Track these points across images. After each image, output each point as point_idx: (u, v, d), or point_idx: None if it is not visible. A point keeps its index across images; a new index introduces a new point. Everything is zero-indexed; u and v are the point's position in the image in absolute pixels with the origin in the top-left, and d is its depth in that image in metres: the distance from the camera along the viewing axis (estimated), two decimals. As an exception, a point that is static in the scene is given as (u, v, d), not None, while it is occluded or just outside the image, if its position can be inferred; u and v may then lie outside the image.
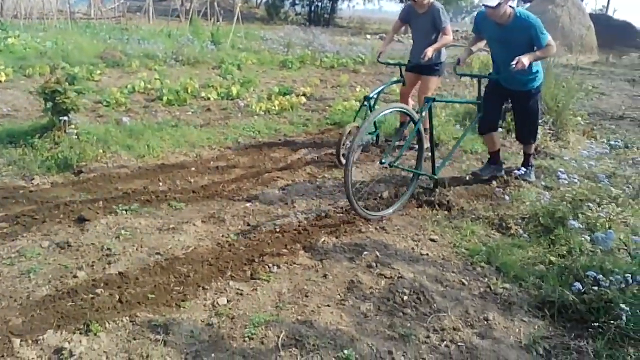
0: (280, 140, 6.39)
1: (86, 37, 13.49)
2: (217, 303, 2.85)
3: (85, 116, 6.32)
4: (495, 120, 5.10)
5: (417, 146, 4.46)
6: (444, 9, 5.64)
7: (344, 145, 5.21)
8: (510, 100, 5.09)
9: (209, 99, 8.08)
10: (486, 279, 3.31)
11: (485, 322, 2.86)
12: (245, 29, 18.27)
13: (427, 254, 3.61)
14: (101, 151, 5.16)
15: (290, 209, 4.27)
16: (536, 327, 2.85)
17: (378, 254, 3.50)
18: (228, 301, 2.89)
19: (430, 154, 4.61)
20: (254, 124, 6.82)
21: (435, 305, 2.97)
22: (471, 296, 3.11)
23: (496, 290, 3.19)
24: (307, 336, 2.59)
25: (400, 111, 4.66)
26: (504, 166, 5.24)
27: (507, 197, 4.53)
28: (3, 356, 2.35)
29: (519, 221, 4.10)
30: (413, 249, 3.68)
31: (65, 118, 5.22)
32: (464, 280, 3.28)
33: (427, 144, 4.62)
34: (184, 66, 11.09)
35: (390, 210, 4.21)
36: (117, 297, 2.85)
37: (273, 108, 7.57)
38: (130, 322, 2.64)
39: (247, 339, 2.57)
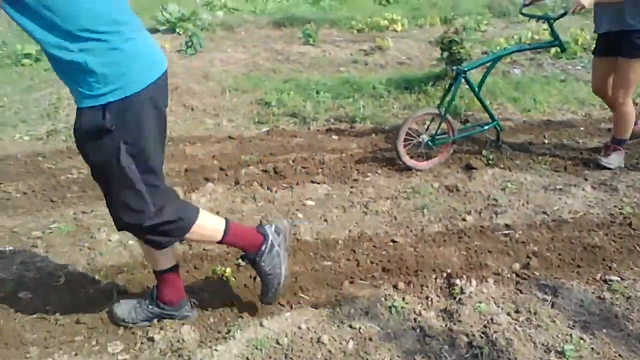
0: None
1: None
2: (610, 279, 2.63)
3: (472, 66, 6.51)
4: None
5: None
6: None
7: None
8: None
9: (601, 52, 7.29)
10: None
11: None
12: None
13: None
14: (488, 102, 5.25)
15: None
16: None
17: None
18: (621, 279, 2.64)
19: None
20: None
21: None
22: None
23: None
24: None
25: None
26: None
27: None
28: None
29: None
30: None
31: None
32: None
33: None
34: (573, 14, 10.23)
35: None
36: (504, 248, 2.92)
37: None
38: (516, 275, 2.67)
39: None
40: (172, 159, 4.26)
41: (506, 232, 3.08)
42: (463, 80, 3.98)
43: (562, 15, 3.84)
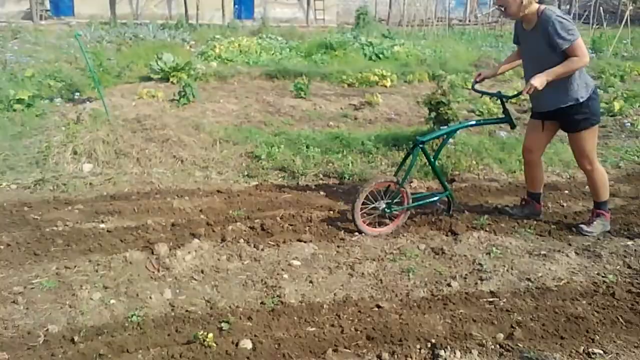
0: (671, 169, 5.50)
1: (461, 44, 14.17)
2: (593, 352, 2.63)
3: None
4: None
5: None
6: (562, 16, 3.60)
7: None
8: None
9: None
10: None
11: None
12: (632, 34, 16.26)
13: None
14: (474, 162, 5.35)
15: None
16: None
17: None
18: (604, 352, 2.63)
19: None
20: (639, 147, 6.04)
21: None
22: None
23: None
24: None
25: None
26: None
27: None
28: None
29: None
30: None
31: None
32: None
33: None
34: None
35: None
36: (488, 317, 2.91)
37: (664, 130, 6.55)
38: (500, 347, 2.66)
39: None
40: (158, 213, 4.26)
41: (491, 299, 3.08)
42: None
43: (516, 96, 4.08)
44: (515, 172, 5.27)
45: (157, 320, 2.88)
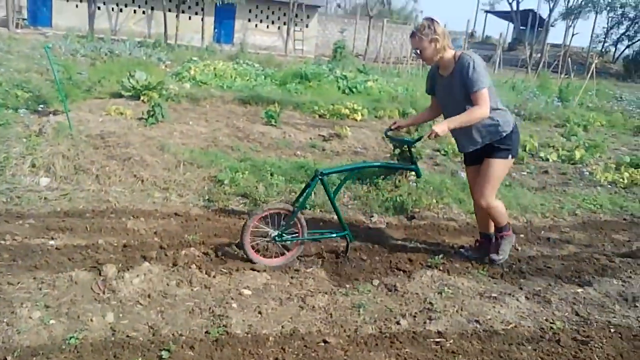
0: (625, 219, 5.65)
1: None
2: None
3: (423, 163, 6.73)
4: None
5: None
6: (477, 63, 3.62)
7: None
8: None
9: (547, 159, 7.70)
10: None
11: None
12: (597, 86, 16.91)
13: None
14: (434, 200, 5.40)
15: (630, 308, 3.70)
16: None
17: None
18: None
19: None
20: (596, 196, 6.20)
21: None
22: None
23: None
24: None
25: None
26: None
27: None
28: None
29: None
30: None
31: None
32: None
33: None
34: (525, 121, 10.83)
35: None
36: (433, 357, 2.90)
37: (621, 180, 6.75)
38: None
39: None
40: (111, 233, 4.17)
41: (438, 340, 3.08)
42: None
43: (419, 140, 4.18)
44: (473, 213, 5.32)
45: (96, 344, 2.78)
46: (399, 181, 5.64)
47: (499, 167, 3.89)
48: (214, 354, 2.79)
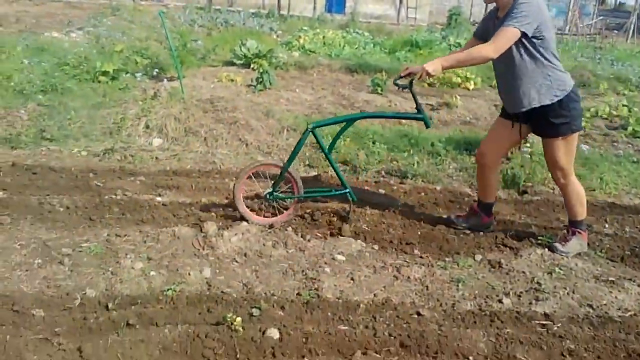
0: None
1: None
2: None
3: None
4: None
5: None
6: (530, 2, 3.08)
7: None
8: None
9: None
10: None
11: None
12: None
13: None
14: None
15: None
16: None
17: None
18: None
19: None
20: None
21: None
22: None
23: None
24: None
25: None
26: None
27: None
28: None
29: None
30: None
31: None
32: None
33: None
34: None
35: None
36: (538, 340, 2.66)
37: None
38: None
39: None
40: (214, 192, 4.29)
41: (544, 322, 2.82)
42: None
43: (411, 82, 3.52)
44: (594, 190, 4.84)
45: (191, 297, 2.86)
46: (512, 153, 5.25)
47: (561, 148, 3.35)
48: (303, 315, 2.76)
